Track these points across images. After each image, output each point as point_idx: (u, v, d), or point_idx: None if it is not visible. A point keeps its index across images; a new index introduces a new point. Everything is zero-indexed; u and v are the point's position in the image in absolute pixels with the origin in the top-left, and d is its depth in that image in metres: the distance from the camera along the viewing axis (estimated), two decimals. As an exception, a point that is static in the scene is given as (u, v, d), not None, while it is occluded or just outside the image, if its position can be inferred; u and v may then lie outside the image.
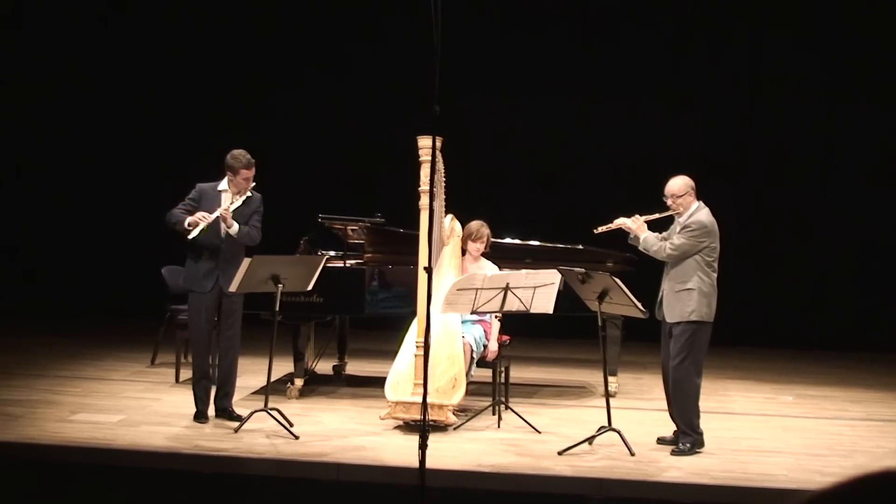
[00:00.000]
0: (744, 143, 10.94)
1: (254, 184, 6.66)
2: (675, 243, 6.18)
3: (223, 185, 6.66)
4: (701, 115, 11.00)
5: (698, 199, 6.29)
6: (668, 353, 6.29)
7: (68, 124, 11.57)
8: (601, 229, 6.54)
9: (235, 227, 6.55)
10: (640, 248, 6.42)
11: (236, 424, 6.46)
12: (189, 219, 6.47)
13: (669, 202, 6.28)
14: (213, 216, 6.47)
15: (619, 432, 6.19)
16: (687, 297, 6.13)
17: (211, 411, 6.79)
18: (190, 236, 6.46)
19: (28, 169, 11.63)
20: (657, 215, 6.39)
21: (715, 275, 6.21)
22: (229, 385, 6.83)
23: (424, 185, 6.60)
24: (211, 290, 6.64)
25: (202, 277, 6.64)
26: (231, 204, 6.57)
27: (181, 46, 11.34)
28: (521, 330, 7.90)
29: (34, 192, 11.57)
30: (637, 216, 6.40)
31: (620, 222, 6.43)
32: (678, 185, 6.27)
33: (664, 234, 6.44)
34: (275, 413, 6.44)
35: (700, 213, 6.23)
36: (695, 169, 9.90)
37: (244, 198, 6.60)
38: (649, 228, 6.41)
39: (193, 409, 6.75)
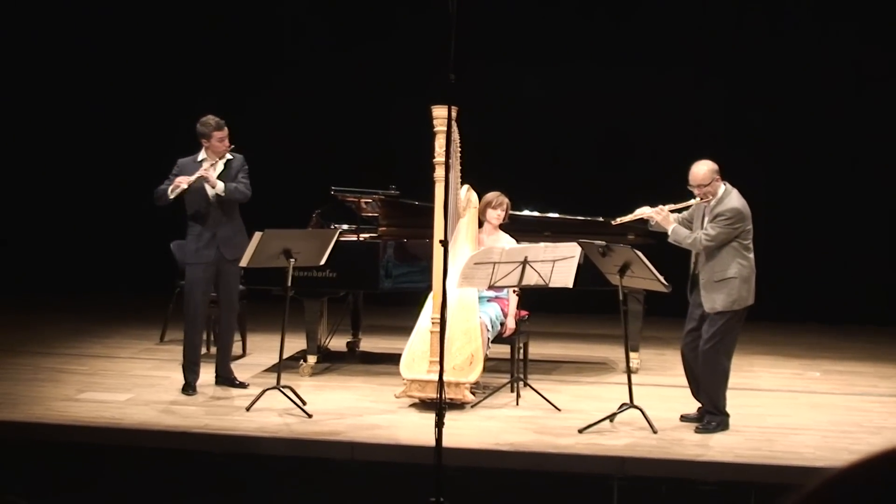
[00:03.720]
0: (773, 115, 10.68)
1: (232, 146, 6.69)
2: (710, 234, 5.92)
3: (201, 155, 6.71)
4: (727, 85, 10.74)
5: (723, 180, 6.04)
6: (693, 330, 6.12)
7: (78, 99, 11.45)
8: (621, 220, 6.37)
9: (220, 185, 6.59)
10: (671, 240, 6.15)
11: (247, 402, 6.36)
12: (171, 186, 6.53)
13: (696, 192, 6.01)
14: (194, 177, 6.52)
15: (641, 410, 6.07)
16: (729, 286, 5.91)
17: (211, 379, 6.87)
18: (171, 195, 6.52)
19: (35, 143, 11.52)
20: (683, 204, 6.16)
21: (751, 255, 6.00)
22: (229, 352, 6.96)
23: (440, 157, 6.48)
24: (212, 261, 6.67)
25: (202, 248, 6.67)
26: (212, 167, 6.61)
27: (193, 19, 11.18)
28: (539, 305, 7.74)
29: (42, 166, 11.46)
30: (661, 207, 6.14)
31: (641, 212, 6.21)
32: (702, 172, 5.97)
33: (684, 214, 6.22)
34: (287, 391, 6.34)
35: (731, 199, 5.95)
36: (721, 141, 9.82)
37: (224, 160, 6.66)
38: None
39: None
